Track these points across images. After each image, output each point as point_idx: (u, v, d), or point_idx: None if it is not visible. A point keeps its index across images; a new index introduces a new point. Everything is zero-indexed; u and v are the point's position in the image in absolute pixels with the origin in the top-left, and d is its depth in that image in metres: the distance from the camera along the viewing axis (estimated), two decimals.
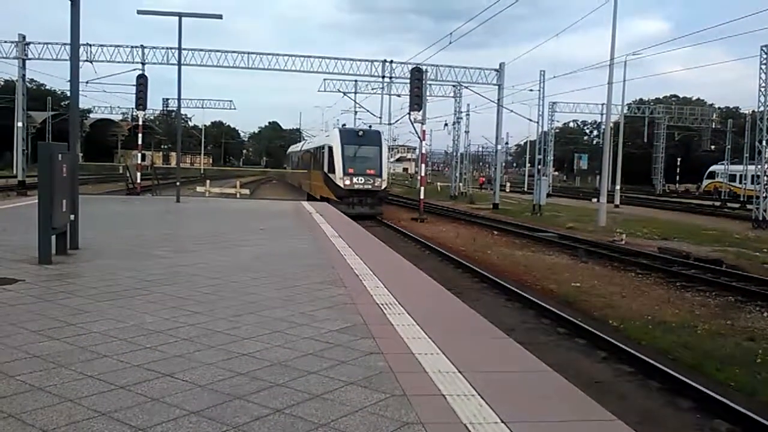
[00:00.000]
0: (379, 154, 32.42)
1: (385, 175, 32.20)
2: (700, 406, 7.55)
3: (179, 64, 24.22)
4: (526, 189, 66.07)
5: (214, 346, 5.28)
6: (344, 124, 42.33)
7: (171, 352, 5.06)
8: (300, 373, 4.69)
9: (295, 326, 5.99)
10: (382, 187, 32.02)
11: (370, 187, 31.28)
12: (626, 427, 3.96)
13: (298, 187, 46.17)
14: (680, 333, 10.97)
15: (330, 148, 32.39)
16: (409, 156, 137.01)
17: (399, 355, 5.18)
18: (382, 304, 6.98)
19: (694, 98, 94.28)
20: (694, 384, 7.96)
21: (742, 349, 10.10)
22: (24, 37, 39.19)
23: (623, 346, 9.60)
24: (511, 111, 45.41)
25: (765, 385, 8.45)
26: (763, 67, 33.49)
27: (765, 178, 33.43)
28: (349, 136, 33.09)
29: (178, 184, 23.97)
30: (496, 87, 41.95)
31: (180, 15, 21.89)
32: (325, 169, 32.72)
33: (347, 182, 31.01)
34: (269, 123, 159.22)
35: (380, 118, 49.73)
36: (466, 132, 59.28)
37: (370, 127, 37.53)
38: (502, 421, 3.92)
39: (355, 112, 51.38)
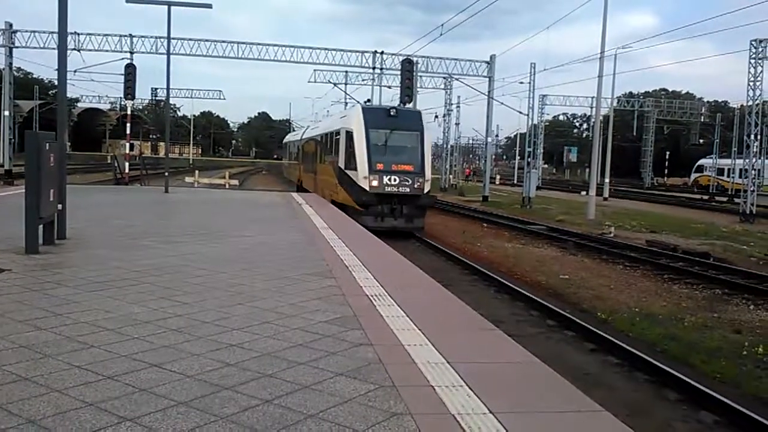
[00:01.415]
0: (419, 143, 22.02)
1: (428, 173, 21.72)
2: (687, 398, 7.61)
3: (168, 53, 24.05)
4: (515, 181, 66.20)
5: (202, 336, 5.26)
6: (368, 100, 30.75)
7: (159, 343, 5.04)
8: (289, 363, 4.68)
9: (284, 317, 5.97)
10: (425, 190, 21.49)
11: (407, 190, 20.97)
12: (614, 418, 3.98)
13: (298, 184, 37.07)
14: (667, 325, 11.05)
15: (348, 134, 22.05)
16: None
17: (388, 346, 5.18)
18: (372, 296, 6.98)
19: (683, 92, 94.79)
20: (680, 376, 8.02)
21: (728, 342, 10.18)
22: (11, 25, 38.82)
23: (611, 338, 9.66)
24: (502, 103, 45.14)
25: (750, 377, 8.53)
26: (752, 61, 33.66)
27: (753, 172, 33.67)
28: (376, 116, 22.39)
29: (166, 174, 23.83)
30: (487, 79, 41.96)
31: (169, 4, 21.70)
32: (341, 163, 22.43)
33: (374, 183, 20.66)
34: (259, 113, 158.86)
35: None
36: (457, 124, 59.45)
37: (402, 104, 25.80)
38: (491, 412, 3.93)
39: (345, 104, 51.20)
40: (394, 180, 20.93)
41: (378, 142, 21.69)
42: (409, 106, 28.13)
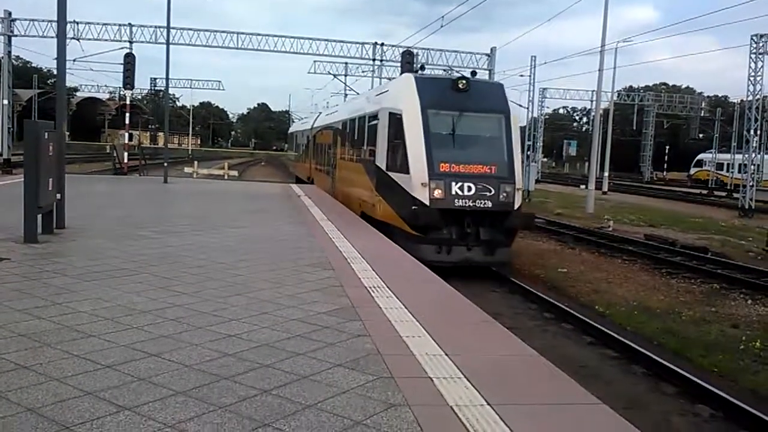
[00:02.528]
0: (505, 131, 14.39)
1: (519, 178, 14.09)
2: (684, 391, 7.63)
3: (167, 42, 23.98)
4: None
5: (201, 326, 5.27)
6: (422, 66, 20.28)
7: (158, 333, 5.05)
8: (287, 354, 4.69)
9: (282, 308, 5.98)
10: (516, 204, 13.81)
11: (488, 204, 13.39)
12: (611, 411, 4.00)
13: (308, 182, 29.71)
14: (665, 319, 11.07)
15: (394, 119, 14.38)
16: None
17: (386, 338, 5.19)
18: (370, 287, 6.99)
19: (683, 86, 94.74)
20: (677, 369, 8.05)
21: (725, 336, 10.20)
22: (10, 14, 38.62)
23: (609, 332, 9.68)
24: None
25: (747, 371, 8.55)
26: (753, 56, 33.60)
27: (752, 167, 33.67)
28: (437, 90, 14.55)
29: (165, 164, 23.82)
30: (487, 72, 41.86)
31: None
32: (380, 162, 14.86)
33: (438, 194, 13.26)
34: (258, 104, 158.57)
35: None
36: None
37: (473, 74, 16.01)
38: (488, 404, 3.94)
39: (345, 95, 51.10)
40: (469, 189, 13.05)
41: (442, 130, 13.84)
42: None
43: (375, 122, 15.64)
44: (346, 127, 20.11)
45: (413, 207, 13.04)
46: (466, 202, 13.13)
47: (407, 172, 13.43)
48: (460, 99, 14.09)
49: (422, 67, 18.08)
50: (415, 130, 13.61)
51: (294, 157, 41.34)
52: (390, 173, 14.19)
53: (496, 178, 13.46)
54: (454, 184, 13.11)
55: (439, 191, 13.08)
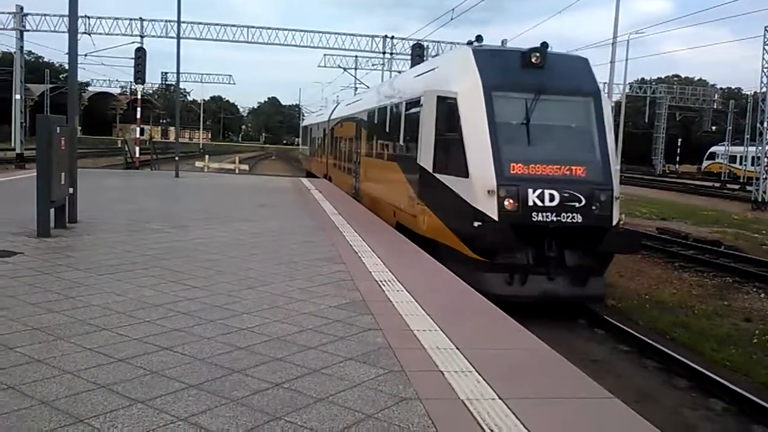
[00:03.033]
0: (594, 119, 10.83)
1: (616, 182, 10.49)
2: (696, 385, 7.60)
3: (178, 37, 24.01)
4: None
5: (213, 320, 5.29)
6: (478, 37, 12.85)
7: (170, 326, 5.07)
8: (299, 348, 4.71)
9: (294, 302, 6.00)
10: (613, 219, 10.24)
11: (578, 218, 9.86)
12: (623, 405, 3.98)
13: (323, 178, 26.91)
14: (677, 313, 11.02)
15: (446, 105, 10.90)
16: None
17: (397, 332, 5.20)
18: (381, 281, 6.99)
19: (696, 78, 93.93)
20: (690, 363, 8.01)
21: (738, 330, 10.15)
22: (22, 9, 38.88)
23: (621, 326, 9.64)
24: None
25: (760, 365, 8.50)
26: (766, 47, 33.27)
27: (765, 159, 33.38)
28: (504, 66, 10.93)
29: (176, 158, 23.88)
30: None
31: None
32: (425, 161, 11.43)
33: (509, 204, 9.77)
34: (268, 99, 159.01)
35: None
36: None
37: (545, 46, 10.88)
38: (500, 398, 3.93)
39: (355, 89, 51.10)
40: (551, 198, 9.73)
41: (513, 119, 10.51)
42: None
43: (415, 110, 12.28)
44: (374, 118, 16.84)
45: (475, 222, 9.67)
46: (547, 216, 9.65)
47: (465, 175, 10.04)
48: (534, 77, 10.55)
49: (479, 38, 12.25)
50: (476, 118, 10.17)
51: (308, 152, 37.85)
52: (439, 176, 10.78)
53: (588, 183, 9.96)
54: (531, 191, 9.66)
55: (511, 201, 9.66)
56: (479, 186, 9.84)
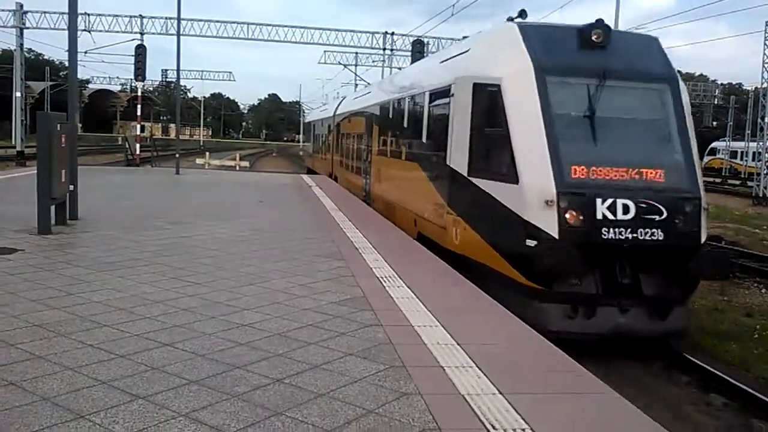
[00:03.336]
0: (672, 110, 8.66)
1: (701, 187, 8.30)
2: (697, 380, 7.59)
3: (178, 34, 23.99)
4: None
5: (213, 316, 5.30)
6: (522, 12, 10.01)
7: (171, 322, 5.08)
8: (299, 343, 4.71)
9: (294, 298, 6.00)
10: (701, 236, 8.04)
11: (658, 234, 7.69)
12: (624, 401, 3.99)
13: (328, 177, 24.78)
14: None
15: (486, 94, 8.86)
16: None
17: (398, 327, 5.20)
18: (382, 277, 7.00)
19: (696, 74, 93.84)
20: (691, 358, 8.00)
21: (739, 325, 10.15)
22: (21, 6, 38.85)
23: None
24: None
25: (761, 361, 8.50)
26: (767, 42, 33.22)
27: (766, 155, 33.35)
28: (560, 46, 8.70)
29: (177, 155, 23.90)
30: None
31: None
32: (458, 162, 9.37)
33: (573, 216, 7.61)
34: (269, 95, 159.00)
35: None
36: None
37: (601, 23, 8.73)
38: (500, 393, 3.94)
39: (356, 85, 51.06)
40: (625, 210, 7.80)
41: (573, 110, 8.59)
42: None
43: (443, 101, 10.33)
44: (388, 112, 14.67)
45: (528, 240, 7.71)
46: (621, 233, 7.64)
47: (513, 180, 8.04)
48: (597, 59, 8.55)
49: (522, 13, 10.10)
50: (528, 109, 8.21)
51: (311, 150, 35.20)
52: (477, 181, 8.80)
53: (670, 190, 7.99)
54: (600, 201, 7.67)
55: (575, 214, 7.63)
56: (533, 195, 7.74)
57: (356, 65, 50.06)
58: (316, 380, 4.04)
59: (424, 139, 11.40)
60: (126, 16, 39.24)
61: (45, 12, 38.61)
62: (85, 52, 41.89)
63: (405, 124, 13.00)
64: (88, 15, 38.17)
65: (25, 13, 38.88)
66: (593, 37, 8.58)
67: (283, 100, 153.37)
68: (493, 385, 4.05)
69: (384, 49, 41.85)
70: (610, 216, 7.61)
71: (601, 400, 4.00)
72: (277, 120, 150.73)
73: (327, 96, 71.90)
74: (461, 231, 9.13)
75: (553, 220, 7.59)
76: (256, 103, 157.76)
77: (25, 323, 4.91)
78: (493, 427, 3.47)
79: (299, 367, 4.24)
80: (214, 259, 7.65)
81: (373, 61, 49.00)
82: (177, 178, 21.43)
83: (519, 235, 7.76)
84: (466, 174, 9.03)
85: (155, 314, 5.29)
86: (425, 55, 32.19)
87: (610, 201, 7.63)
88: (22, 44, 40.92)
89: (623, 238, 7.60)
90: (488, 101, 8.73)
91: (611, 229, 7.61)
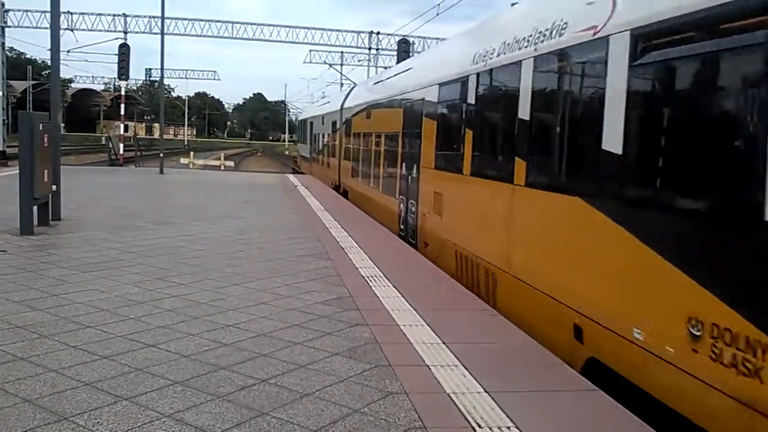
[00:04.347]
0: None
1: None
2: None
3: (162, 33, 23.86)
4: None
5: (198, 317, 5.27)
6: None
7: (155, 323, 5.04)
8: (285, 344, 4.70)
9: (280, 298, 5.98)
10: None
11: None
12: (608, 398, 4.01)
13: (333, 189, 19.62)
14: None
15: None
16: None
17: (384, 327, 5.20)
18: (368, 277, 6.99)
19: None
20: None
21: None
22: (3, 5, 38.37)
23: None
24: None
25: None
26: None
27: None
28: None
29: (161, 155, 23.76)
30: None
31: None
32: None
33: None
34: (254, 95, 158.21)
35: None
36: None
37: None
38: (486, 391, 3.95)
39: (341, 85, 50.98)
40: None
41: None
42: None
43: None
44: (458, 97, 8.31)
45: None
46: None
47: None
48: None
49: None
50: None
51: (308, 152, 29.31)
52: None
53: None
54: None
55: None
56: None
57: (342, 65, 50.00)
58: (301, 380, 4.03)
59: (607, 144, 4.74)
60: (109, 15, 38.94)
61: (27, 10, 38.20)
62: (68, 51, 41.46)
63: (526, 114, 6.30)
64: (71, 13, 37.83)
65: (7, 11, 38.44)
66: None
67: (269, 99, 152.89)
68: (479, 384, 4.05)
69: (369, 49, 41.79)
70: None
71: (586, 398, 4.02)
72: (262, 119, 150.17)
73: (313, 95, 71.49)
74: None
75: None
76: (241, 103, 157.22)
77: (7, 324, 4.86)
78: (479, 426, 3.47)
79: (285, 367, 4.23)
80: (199, 259, 7.61)
81: (359, 61, 48.94)
82: (161, 178, 21.30)
83: None
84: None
85: (139, 315, 5.25)
86: (411, 54, 32.16)
87: None
88: (3, 43, 40.41)
89: None
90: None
91: None
